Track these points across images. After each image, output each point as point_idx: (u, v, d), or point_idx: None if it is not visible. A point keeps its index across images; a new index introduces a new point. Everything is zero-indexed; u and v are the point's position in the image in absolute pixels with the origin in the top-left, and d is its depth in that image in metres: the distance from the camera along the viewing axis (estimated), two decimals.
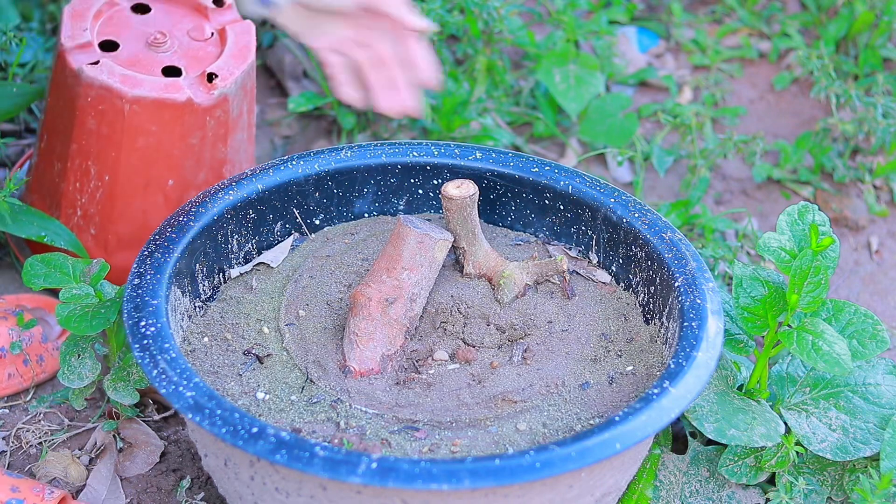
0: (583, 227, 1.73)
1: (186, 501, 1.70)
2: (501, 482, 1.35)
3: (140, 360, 1.45)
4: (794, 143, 2.32)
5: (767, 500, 1.70)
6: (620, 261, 1.69)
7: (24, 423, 1.79)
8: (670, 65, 2.57)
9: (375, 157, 1.75)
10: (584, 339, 1.62)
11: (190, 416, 1.40)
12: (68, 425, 1.79)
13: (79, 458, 1.74)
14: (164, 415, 1.81)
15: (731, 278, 2.02)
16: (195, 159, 1.86)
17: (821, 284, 1.58)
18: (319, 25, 1.56)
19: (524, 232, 1.77)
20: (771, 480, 1.71)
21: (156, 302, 1.51)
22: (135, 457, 1.74)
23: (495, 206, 1.77)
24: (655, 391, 1.45)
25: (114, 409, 1.78)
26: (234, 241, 1.69)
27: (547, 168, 1.73)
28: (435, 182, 1.77)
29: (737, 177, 2.34)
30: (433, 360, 1.60)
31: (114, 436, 1.76)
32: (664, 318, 1.60)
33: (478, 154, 1.75)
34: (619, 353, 1.61)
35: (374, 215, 1.79)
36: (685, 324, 1.53)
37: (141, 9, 1.90)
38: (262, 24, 2.50)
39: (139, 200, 1.86)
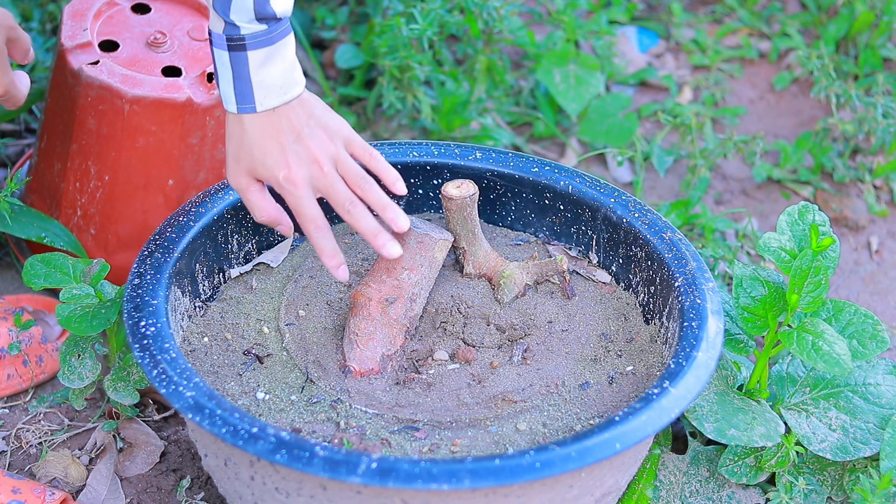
0: (583, 227, 1.72)
1: (186, 501, 1.70)
2: (501, 482, 1.35)
3: (140, 360, 1.44)
4: (794, 143, 2.32)
5: (767, 500, 1.70)
6: (620, 261, 1.69)
7: (24, 423, 1.79)
8: (670, 65, 2.56)
9: None
10: (584, 339, 1.61)
11: (190, 416, 1.40)
12: (68, 425, 1.79)
13: (79, 458, 1.74)
14: (164, 415, 1.81)
15: (731, 278, 2.02)
16: (195, 159, 1.86)
17: (821, 284, 1.58)
18: None
19: (524, 232, 1.77)
20: (771, 480, 1.71)
21: (156, 302, 1.51)
22: (135, 457, 1.74)
23: (495, 206, 1.76)
24: (655, 391, 1.45)
25: (114, 409, 1.78)
26: (234, 241, 1.69)
27: (547, 168, 1.73)
28: (435, 182, 1.76)
29: (737, 177, 2.34)
30: (433, 360, 1.60)
31: (114, 436, 1.76)
32: (664, 318, 1.60)
33: (478, 154, 1.75)
34: (619, 353, 1.61)
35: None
36: (685, 324, 1.53)
37: (141, 9, 1.90)
38: None
39: (139, 200, 1.86)
